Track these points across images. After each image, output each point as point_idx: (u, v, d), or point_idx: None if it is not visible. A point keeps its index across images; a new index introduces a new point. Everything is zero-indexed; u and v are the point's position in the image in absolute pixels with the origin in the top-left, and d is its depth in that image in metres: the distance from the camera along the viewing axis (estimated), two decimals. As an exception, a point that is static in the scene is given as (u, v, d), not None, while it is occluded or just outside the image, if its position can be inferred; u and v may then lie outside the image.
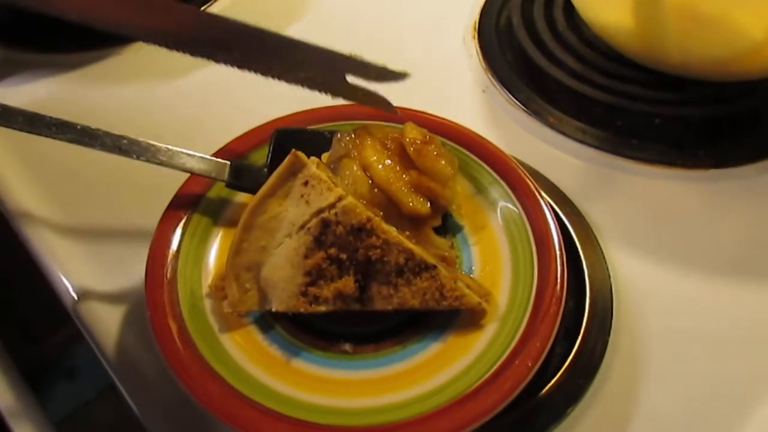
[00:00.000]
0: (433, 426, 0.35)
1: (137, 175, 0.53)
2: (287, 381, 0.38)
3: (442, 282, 0.38)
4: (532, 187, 0.45)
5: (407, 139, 0.43)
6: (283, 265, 0.39)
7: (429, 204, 0.43)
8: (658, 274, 0.47)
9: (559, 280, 0.40)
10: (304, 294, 0.38)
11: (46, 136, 0.40)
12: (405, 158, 0.43)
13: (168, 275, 0.41)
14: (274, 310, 0.38)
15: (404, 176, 0.43)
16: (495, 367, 0.37)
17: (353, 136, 0.43)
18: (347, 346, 0.40)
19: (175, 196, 0.45)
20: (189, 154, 0.44)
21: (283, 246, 0.40)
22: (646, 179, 0.53)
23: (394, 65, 0.43)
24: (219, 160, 0.45)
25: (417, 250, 0.39)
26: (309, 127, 0.48)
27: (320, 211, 0.39)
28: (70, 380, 1.28)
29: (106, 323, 0.44)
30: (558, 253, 0.42)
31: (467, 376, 0.37)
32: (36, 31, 0.65)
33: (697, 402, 0.41)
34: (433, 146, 0.44)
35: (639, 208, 0.51)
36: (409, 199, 0.42)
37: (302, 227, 0.39)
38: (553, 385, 0.41)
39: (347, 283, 0.38)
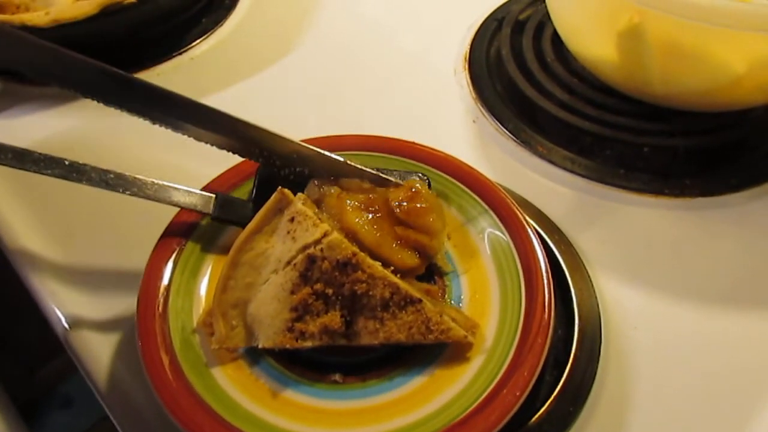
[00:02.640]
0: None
1: (130, 207, 0.53)
2: (277, 411, 0.38)
3: (428, 315, 0.39)
4: (520, 216, 0.46)
5: (393, 203, 0.44)
6: (269, 301, 0.39)
7: (417, 255, 0.44)
8: (647, 302, 0.48)
9: (546, 309, 0.41)
10: (290, 330, 0.38)
11: (34, 171, 0.41)
12: (390, 215, 0.44)
13: (160, 308, 0.42)
14: (260, 346, 0.39)
15: (390, 235, 0.44)
16: (482, 397, 0.37)
17: (332, 192, 0.44)
18: (337, 376, 0.40)
19: (167, 229, 0.45)
20: (175, 188, 0.44)
21: (270, 282, 0.40)
22: (634, 208, 0.54)
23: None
24: (204, 193, 0.45)
25: (402, 284, 0.40)
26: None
27: (306, 246, 0.40)
28: (66, 409, 1.28)
29: (98, 354, 0.45)
30: (545, 281, 0.42)
31: (455, 406, 0.38)
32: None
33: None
34: (420, 200, 0.45)
35: (628, 236, 0.52)
36: (399, 256, 0.43)
37: (288, 263, 0.40)
38: (542, 413, 0.41)
39: (333, 318, 0.38)
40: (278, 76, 0.67)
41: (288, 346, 0.38)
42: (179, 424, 0.36)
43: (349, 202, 0.44)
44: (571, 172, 0.56)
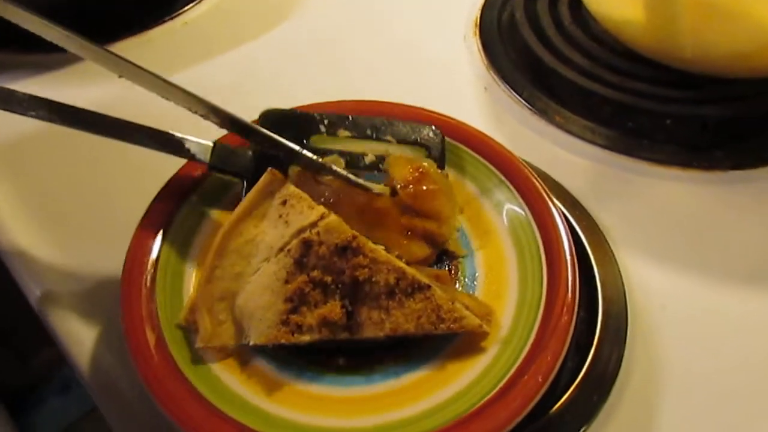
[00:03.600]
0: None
1: (115, 178, 0.50)
2: (274, 399, 0.34)
3: (438, 303, 0.35)
4: (541, 188, 0.42)
5: (398, 186, 0.41)
6: (261, 293, 0.35)
7: (427, 245, 0.40)
8: (676, 281, 0.44)
9: (570, 288, 0.37)
10: (285, 323, 0.34)
11: (18, 113, 0.37)
12: (394, 203, 0.41)
13: (147, 284, 0.38)
14: (252, 343, 0.35)
15: (395, 228, 0.40)
16: (502, 383, 0.34)
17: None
18: (341, 360, 0.37)
19: (156, 198, 0.41)
20: (169, 134, 0.40)
21: (261, 272, 0.36)
22: (660, 181, 0.50)
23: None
24: (201, 140, 0.41)
25: (409, 269, 0.36)
26: (297, 109, 0.45)
27: (301, 230, 0.36)
28: (64, 395, 1.25)
29: (81, 336, 0.41)
30: (569, 258, 0.39)
31: (470, 394, 0.34)
32: (16, 30, 0.62)
33: (720, 420, 0.38)
34: (427, 181, 0.41)
35: (654, 211, 0.48)
36: (407, 249, 0.40)
37: (282, 249, 0.36)
38: (563, 402, 0.38)
39: (333, 309, 0.35)
40: (278, 42, 0.63)
41: (283, 341, 0.34)
42: (168, 414, 0.33)
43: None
44: (591, 143, 0.52)
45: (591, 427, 0.37)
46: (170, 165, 0.42)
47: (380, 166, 0.43)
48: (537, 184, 0.42)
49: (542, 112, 0.54)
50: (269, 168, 0.39)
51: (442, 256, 0.41)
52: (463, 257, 0.41)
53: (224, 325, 0.36)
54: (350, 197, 0.41)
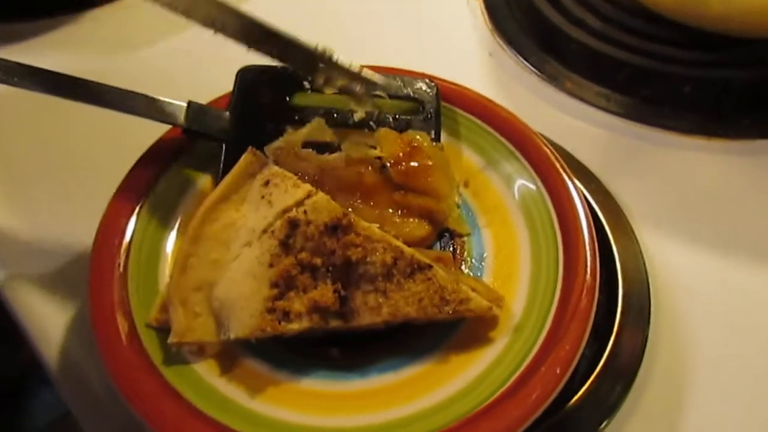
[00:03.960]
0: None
1: (86, 151, 0.46)
2: (260, 396, 0.31)
3: (441, 284, 0.31)
4: (554, 159, 0.38)
5: (388, 164, 0.37)
6: (242, 280, 0.32)
7: (427, 222, 0.37)
8: (701, 259, 0.41)
9: (590, 269, 0.33)
10: (270, 311, 0.30)
11: None
12: (385, 179, 0.37)
13: (120, 267, 0.34)
14: (233, 337, 0.31)
15: (388, 205, 0.37)
16: (515, 377, 0.30)
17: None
18: (334, 351, 0.33)
19: (132, 170, 0.37)
20: (140, 95, 0.36)
21: (242, 257, 0.32)
22: (681, 152, 0.46)
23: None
24: (174, 101, 0.37)
25: (407, 247, 0.32)
26: (277, 65, 0.41)
27: (286, 210, 0.33)
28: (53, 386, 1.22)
29: (47, 326, 0.37)
30: (587, 236, 0.35)
31: (479, 388, 0.30)
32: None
33: (756, 408, 0.34)
34: (420, 156, 0.37)
35: (675, 184, 0.45)
36: (405, 229, 0.36)
37: (265, 231, 0.32)
38: (582, 395, 0.34)
39: (324, 293, 0.31)
40: (261, 6, 0.58)
41: (269, 331, 0.30)
42: (138, 412, 0.29)
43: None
44: (606, 111, 0.48)
45: (613, 422, 0.34)
46: (153, 131, 0.38)
47: (371, 123, 0.39)
48: (550, 154, 0.38)
49: (552, 78, 0.50)
50: (249, 148, 0.35)
51: (444, 235, 0.38)
52: (467, 236, 0.37)
53: (200, 319, 0.32)
54: (336, 173, 0.37)
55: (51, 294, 0.39)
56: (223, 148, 0.37)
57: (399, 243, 0.32)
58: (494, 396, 0.30)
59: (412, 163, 0.37)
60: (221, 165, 0.37)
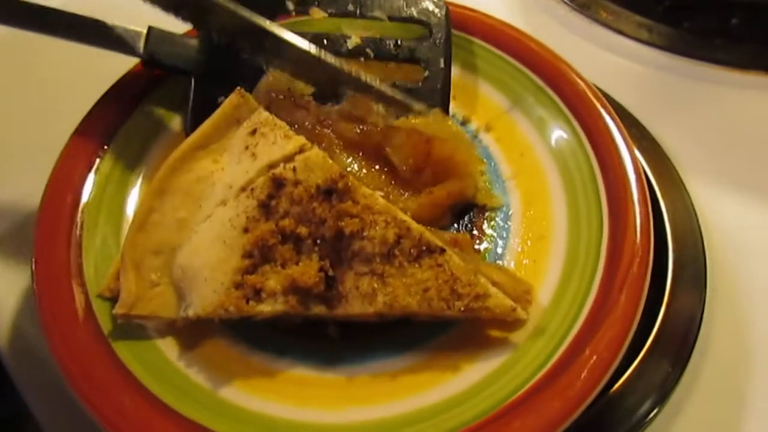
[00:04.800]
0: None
1: (48, 94, 0.40)
2: (240, 385, 0.25)
3: (454, 273, 0.25)
4: (594, 97, 0.32)
5: (395, 160, 0.31)
6: (210, 245, 0.26)
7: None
8: (762, 215, 0.35)
9: (641, 227, 0.28)
10: (238, 286, 0.25)
11: None
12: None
13: (76, 230, 0.29)
14: (192, 314, 0.25)
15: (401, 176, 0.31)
16: (552, 361, 0.25)
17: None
18: (331, 329, 0.27)
19: (84, 122, 0.32)
20: (88, 19, 0.31)
21: (214, 218, 0.27)
22: (736, 90, 0.40)
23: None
24: (131, 27, 0.32)
25: (416, 224, 0.26)
26: None
27: (272, 165, 0.27)
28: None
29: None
30: (637, 188, 0.29)
31: (505, 378, 0.25)
32: None
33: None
34: (435, 148, 0.30)
35: (730, 128, 0.38)
36: (416, 204, 0.30)
37: (244, 189, 0.27)
38: (628, 377, 0.29)
39: (307, 271, 0.25)
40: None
41: (233, 311, 0.25)
42: (88, 406, 0.24)
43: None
44: (648, 44, 0.42)
45: (664, 410, 0.28)
46: (116, 69, 0.33)
47: (367, 50, 0.33)
48: (589, 91, 0.32)
49: (585, 8, 0.44)
50: (237, 89, 0.29)
51: (469, 211, 0.31)
52: (497, 209, 0.31)
53: (157, 289, 0.26)
54: (338, 127, 0.31)
55: (2, 258, 0.33)
56: (192, 83, 0.31)
57: (406, 217, 0.26)
58: (526, 387, 0.24)
59: (433, 161, 0.31)
60: (190, 102, 0.31)
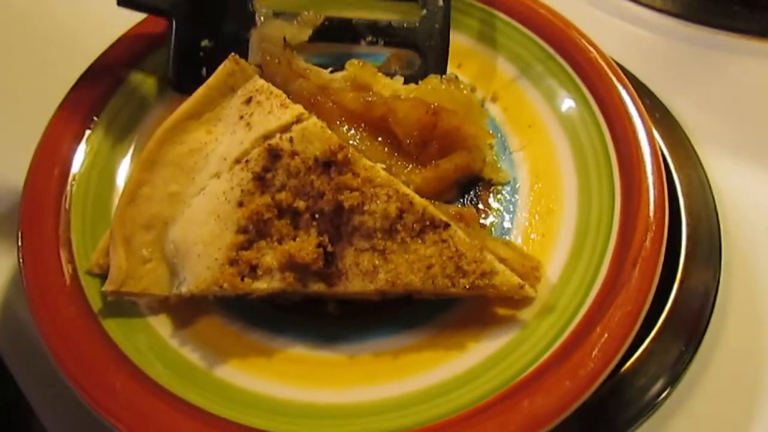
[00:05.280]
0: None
1: (36, 61, 0.38)
2: (241, 365, 0.24)
3: (459, 249, 0.24)
4: (605, 64, 0.31)
5: (400, 132, 0.29)
6: (204, 219, 0.25)
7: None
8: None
9: (655, 200, 0.26)
10: (233, 262, 0.24)
11: None
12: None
13: (65, 202, 0.28)
14: (185, 292, 0.25)
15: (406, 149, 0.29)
16: (561, 339, 0.24)
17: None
18: (331, 306, 0.26)
19: (73, 91, 0.30)
20: None
21: (207, 191, 0.26)
22: (757, 60, 0.38)
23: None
24: None
25: (419, 198, 0.25)
26: None
27: (268, 135, 0.26)
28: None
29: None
30: (651, 160, 0.28)
31: (513, 356, 0.24)
32: None
33: None
34: (442, 118, 0.29)
35: (748, 101, 0.37)
36: (420, 178, 0.29)
37: (238, 161, 0.26)
38: (639, 357, 0.28)
39: (304, 246, 0.24)
40: None
41: (227, 288, 0.24)
42: (76, 388, 0.23)
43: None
44: (663, 12, 0.40)
45: (676, 391, 0.28)
46: (107, 37, 0.31)
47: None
48: (601, 59, 0.31)
49: (595, -27, 0.41)
50: (231, 55, 0.28)
51: (475, 184, 0.30)
52: (505, 184, 0.30)
53: (148, 265, 0.25)
54: (340, 97, 0.29)
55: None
56: (173, 24, 0.30)
57: (408, 191, 0.25)
58: (534, 366, 0.23)
59: (440, 133, 0.29)
60: (171, 46, 0.30)
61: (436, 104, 0.29)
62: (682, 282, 0.30)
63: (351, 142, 0.29)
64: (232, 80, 0.28)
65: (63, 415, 0.27)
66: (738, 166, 0.34)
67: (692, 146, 0.34)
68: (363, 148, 0.29)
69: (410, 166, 0.29)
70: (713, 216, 0.32)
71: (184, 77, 0.30)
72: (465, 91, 0.31)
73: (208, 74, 0.28)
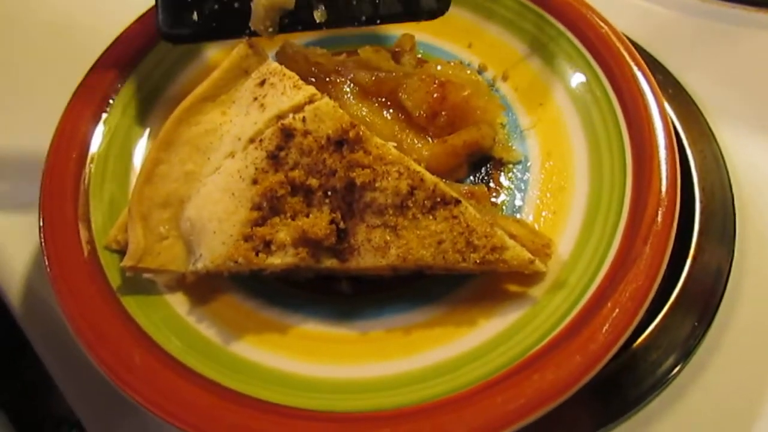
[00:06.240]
0: (476, 412, 0.22)
1: (43, 66, 0.39)
2: (256, 341, 0.25)
3: (470, 224, 0.24)
4: (617, 40, 0.30)
5: (408, 104, 0.30)
6: (219, 197, 0.25)
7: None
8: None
9: (668, 176, 0.26)
10: (248, 238, 0.24)
11: None
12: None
13: (84, 182, 0.28)
14: (201, 267, 0.25)
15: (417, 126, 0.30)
16: (573, 314, 0.24)
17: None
18: (344, 285, 0.27)
19: (90, 73, 0.31)
20: None
21: (222, 170, 0.26)
22: (770, 33, 0.37)
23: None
24: None
25: (430, 175, 0.25)
26: None
27: (281, 115, 0.26)
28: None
29: (8, 246, 0.32)
30: (664, 136, 0.27)
31: (525, 330, 0.24)
32: None
33: None
34: (450, 92, 0.29)
35: (763, 75, 0.36)
36: (431, 155, 0.29)
37: (252, 141, 0.26)
38: (652, 332, 0.28)
39: (317, 223, 0.24)
40: None
41: (242, 263, 0.24)
42: (95, 360, 0.24)
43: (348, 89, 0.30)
44: (675, -15, 0.39)
45: (688, 366, 0.28)
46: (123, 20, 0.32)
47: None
48: (612, 34, 0.31)
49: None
50: (245, 39, 0.28)
51: (486, 163, 0.30)
52: (516, 164, 0.30)
53: (165, 242, 0.26)
54: (352, 75, 0.30)
55: (9, 219, 0.33)
56: None
57: (420, 168, 0.25)
58: (546, 341, 0.24)
59: (448, 106, 0.30)
60: None
61: (444, 78, 0.29)
62: (695, 258, 0.30)
63: (362, 115, 0.29)
64: (245, 63, 0.29)
65: (86, 392, 0.28)
66: (753, 141, 0.34)
67: (706, 121, 0.34)
68: (374, 123, 0.29)
69: (420, 142, 0.29)
70: (727, 192, 0.32)
71: (173, 24, 0.29)
72: (473, 76, 0.31)
73: (199, 19, 0.28)
